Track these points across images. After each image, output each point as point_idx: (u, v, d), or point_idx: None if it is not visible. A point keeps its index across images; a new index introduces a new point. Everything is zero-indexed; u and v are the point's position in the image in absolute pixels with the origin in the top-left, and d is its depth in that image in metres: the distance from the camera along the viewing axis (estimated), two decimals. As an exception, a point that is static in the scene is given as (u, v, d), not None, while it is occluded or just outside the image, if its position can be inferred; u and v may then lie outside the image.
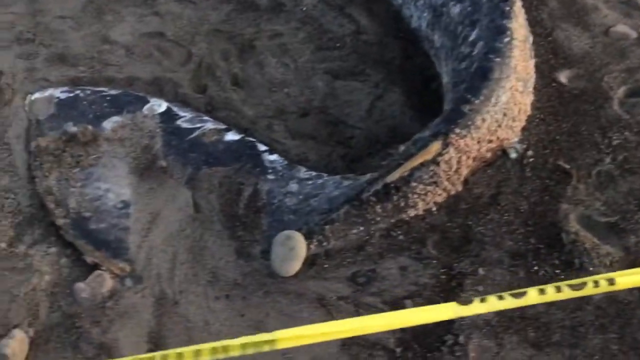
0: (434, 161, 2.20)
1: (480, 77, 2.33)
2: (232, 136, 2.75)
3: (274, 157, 2.67)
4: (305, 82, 3.08)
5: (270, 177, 2.56)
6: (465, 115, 2.24)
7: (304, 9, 3.44)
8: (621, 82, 2.68)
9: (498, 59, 2.36)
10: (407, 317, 1.42)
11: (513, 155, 2.38)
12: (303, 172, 2.60)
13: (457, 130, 2.22)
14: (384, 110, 2.93)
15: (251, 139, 2.75)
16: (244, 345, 1.25)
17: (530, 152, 2.40)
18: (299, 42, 3.26)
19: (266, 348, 1.26)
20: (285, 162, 2.64)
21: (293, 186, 2.52)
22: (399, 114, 2.89)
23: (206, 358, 1.21)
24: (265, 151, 2.69)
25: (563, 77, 2.68)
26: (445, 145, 2.21)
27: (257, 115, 2.94)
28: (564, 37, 2.87)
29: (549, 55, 2.79)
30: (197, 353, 1.21)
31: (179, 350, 1.23)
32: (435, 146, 2.21)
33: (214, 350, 1.22)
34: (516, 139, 2.42)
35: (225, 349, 1.23)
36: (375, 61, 3.15)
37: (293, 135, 2.86)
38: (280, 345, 1.27)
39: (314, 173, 2.59)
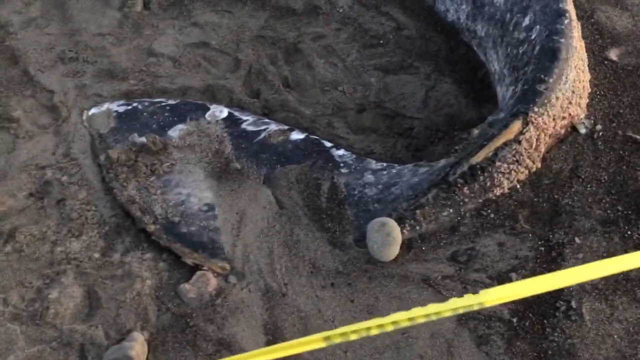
0: (516, 140, 2.28)
1: (549, 57, 2.42)
2: (296, 135, 2.81)
3: (341, 152, 2.73)
4: (357, 79, 3.16)
5: (344, 170, 2.62)
6: (542, 94, 2.33)
7: (341, 10, 3.53)
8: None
9: (562, 40, 2.46)
10: (618, 263, 1.47)
11: (583, 130, 2.48)
12: (374, 164, 2.66)
13: (536, 109, 2.30)
14: (439, 100, 3.01)
15: (315, 136, 2.82)
16: (455, 309, 1.30)
17: (599, 127, 2.50)
18: (342, 42, 3.34)
19: (476, 308, 1.32)
20: (354, 156, 2.70)
21: (369, 177, 2.58)
22: (454, 102, 2.98)
23: (420, 321, 1.27)
24: (332, 147, 2.75)
25: (613, 55, 2.80)
26: (526, 123, 2.29)
27: (316, 114, 3.00)
28: (605, 18, 2.99)
29: (595, 36, 2.90)
30: (412, 319, 1.26)
31: (392, 318, 1.27)
32: (516, 125, 2.29)
33: (427, 316, 1.28)
34: (583, 115, 2.51)
35: (437, 313, 1.29)
36: (420, 55, 3.24)
37: (354, 130, 2.92)
38: (488, 304, 1.32)
39: (384, 164, 2.66)
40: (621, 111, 2.56)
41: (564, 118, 2.42)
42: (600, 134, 2.48)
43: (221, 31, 3.43)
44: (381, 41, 3.32)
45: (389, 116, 2.98)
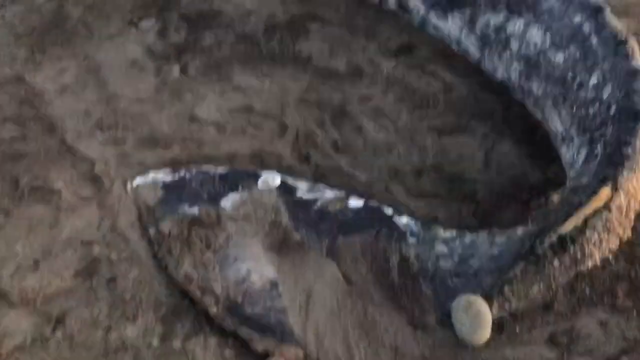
0: (606, 207, 2.14)
1: (632, 118, 2.31)
2: (355, 202, 2.66)
3: (405, 219, 2.57)
4: (411, 141, 3.04)
5: (411, 240, 2.46)
6: (630, 158, 2.20)
7: (385, 71, 3.45)
8: None
9: (643, 100, 2.35)
10: None
11: (670, 194, 2.33)
12: (443, 232, 2.50)
13: (625, 173, 2.17)
14: (501, 161, 2.88)
15: (374, 203, 2.67)
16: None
17: (687, 190, 2.35)
18: (391, 103, 3.24)
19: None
20: (419, 223, 2.55)
21: (441, 248, 2.41)
22: (517, 164, 2.85)
23: None
24: (393, 214, 2.60)
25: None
26: (615, 189, 2.15)
27: (371, 179, 2.86)
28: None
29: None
30: None
31: None
32: (605, 191, 2.15)
33: None
34: (669, 178, 2.38)
35: None
36: (474, 114, 3.14)
37: (414, 195, 2.78)
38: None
39: (454, 232, 2.50)
40: None
41: (651, 182, 2.28)
42: (690, 197, 2.33)
43: (264, 95, 3.33)
44: (431, 101, 3.23)
45: (449, 179, 2.85)
